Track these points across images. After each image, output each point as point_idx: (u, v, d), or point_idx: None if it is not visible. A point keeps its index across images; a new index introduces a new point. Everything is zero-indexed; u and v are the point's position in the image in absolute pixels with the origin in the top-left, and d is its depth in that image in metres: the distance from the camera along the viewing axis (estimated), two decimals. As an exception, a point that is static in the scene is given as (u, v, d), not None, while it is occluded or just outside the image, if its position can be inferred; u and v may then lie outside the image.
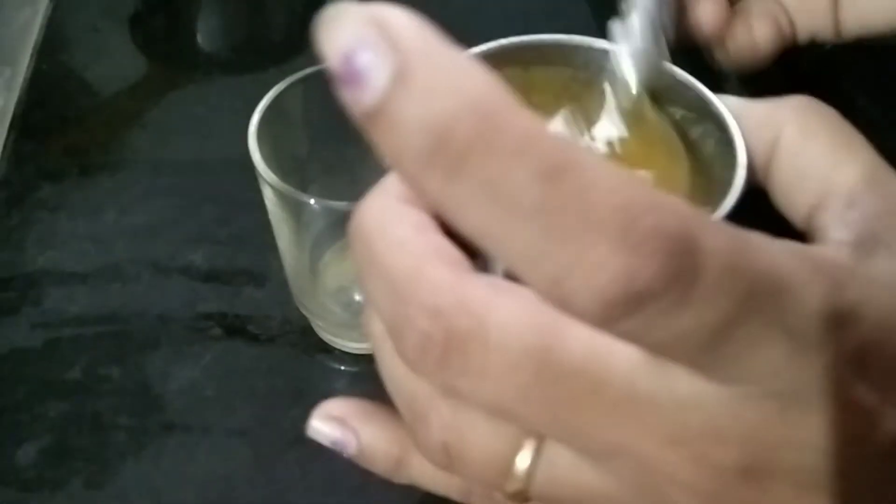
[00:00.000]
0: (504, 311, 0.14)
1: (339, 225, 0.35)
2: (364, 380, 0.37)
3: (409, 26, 0.12)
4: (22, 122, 0.46)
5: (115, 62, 0.50)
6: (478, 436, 0.16)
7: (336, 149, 0.34)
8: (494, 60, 0.22)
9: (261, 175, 0.29)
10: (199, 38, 0.53)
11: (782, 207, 0.19)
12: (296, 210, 0.30)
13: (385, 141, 0.13)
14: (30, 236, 0.40)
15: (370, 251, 0.15)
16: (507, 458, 0.16)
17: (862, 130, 0.54)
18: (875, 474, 0.14)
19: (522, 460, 0.15)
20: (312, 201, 0.28)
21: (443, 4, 0.55)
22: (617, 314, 0.12)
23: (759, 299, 0.13)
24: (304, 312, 0.36)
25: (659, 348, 0.13)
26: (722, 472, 0.14)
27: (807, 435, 0.13)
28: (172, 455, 0.34)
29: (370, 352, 0.37)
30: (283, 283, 0.37)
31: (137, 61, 0.50)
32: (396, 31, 0.12)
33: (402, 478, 0.20)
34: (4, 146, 0.44)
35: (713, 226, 0.13)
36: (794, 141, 0.18)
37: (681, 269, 0.12)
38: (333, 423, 0.20)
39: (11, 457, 0.33)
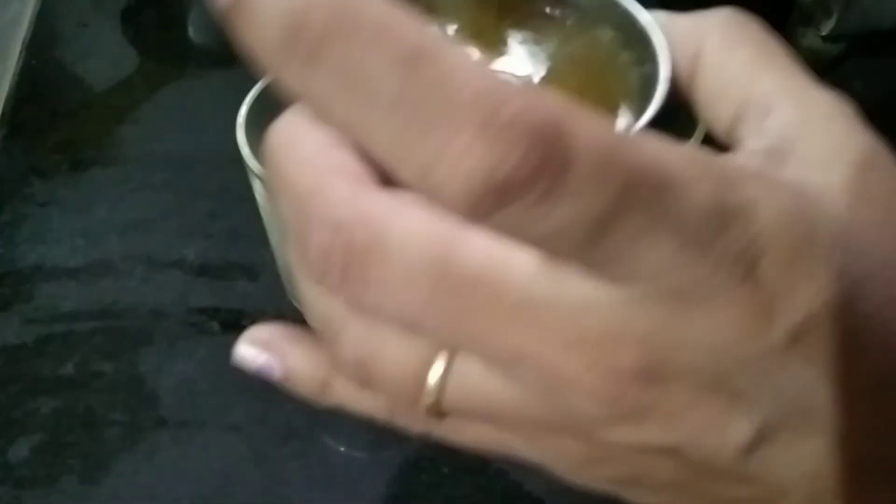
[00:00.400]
0: (403, 221, 0.14)
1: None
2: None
3: None
4: (12, 118, 0.45)
5: (105, 57, 0.50)
6: (390, 351, 0.15)
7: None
8: None
9: (250, 168, 0.28)
10: (191, 32, 0.53)
11: (707, 121, 0.18)
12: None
13: (245, 33, 0.13)
14: (21, 232, 0.40)
15: (277, 169, 0.15)
16: (419, 371, 0.15)
17: (857, 113, 0.53)
18: (771, 370, 0.13)
19: (434, 374, 0.15)
20: (302, 193, 0.27)
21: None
22: (485, 205, 0.12)
23: (638, 193, 0.12)
24: (298, 306, 0.36)
25: (541, 244, 0.13)
26: (621, 375, 0.13)
27: (700, 334, 0.13)
28: (166, 451, 0.33)
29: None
30: (277, 277, 0.36)
31: (128, 56, 0.50)
32: None
33: (328, 400, 0.19)
34: (-6, 142, 0.44)
35: (588, 119, 0.12)
36: (717, 52, 0.18)
37: (547, 158, 0.12)
38: (259, 348, 0.19)
39: (4, 454, 0.33)
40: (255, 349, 0.19)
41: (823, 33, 0.46)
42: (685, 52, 0.18)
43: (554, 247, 0.13)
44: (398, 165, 0.13)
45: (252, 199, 0.32)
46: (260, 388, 0.35)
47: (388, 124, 0.12)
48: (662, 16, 0.19)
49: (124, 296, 0.38)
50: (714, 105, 0.18)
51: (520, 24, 0.21)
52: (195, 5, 0.55)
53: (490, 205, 0.12)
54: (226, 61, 0.50)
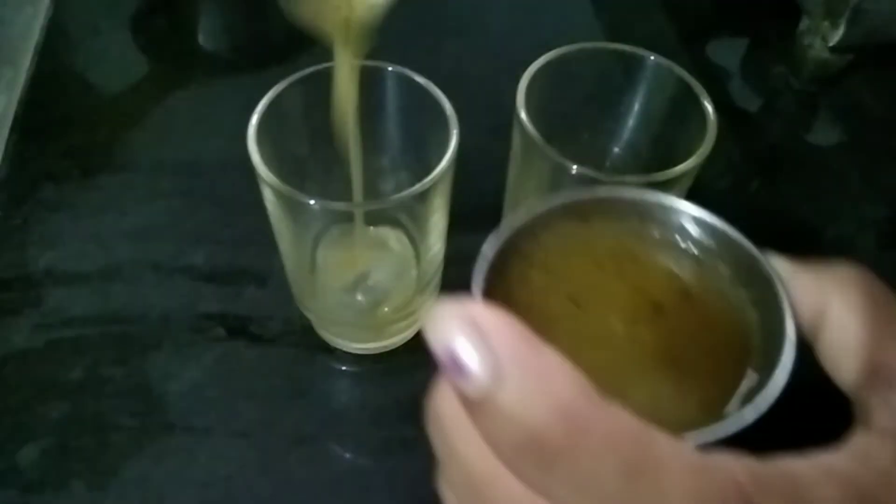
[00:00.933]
0: None
1: (340, 225, 0.35)
2: (365, 380, 0.37)
3: (505, 330, 0.15)
4: (23, 123, 0.46)
5: (116, 63, 0.50)
6: None
7: (334, 148, 0.34)
8: (556, 215, 0.22)
9: (260, 176, 0.29)
10: (200, 39, 0.53)
11: (829, 373, 0.19)
12: (296, 210, 0.30)
13: (484, 428, 0.15)
14: (31, 237, 0.40)
15: (450, 443, 0.17)
16: None
17: (863, 124, 0.53)
18: None
19: None
20: (312, 202, 0.28)
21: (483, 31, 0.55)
22: None
23: None
24: (306, 312, 0.36)
25: None
26: None
27: None
28: (174, 456, 0.34)
29: (371, 352, 0.37)
30: (285, 284, 0.36)
31: (138, 62, 0.50)
32: (489, 332, 0.15)
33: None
34: (6, 147, 0.44)
35: (764, 477, 0.15)
36: (843, 313, 0.19)
37: None
38: None
39: (13, 458, 0.33)
40: None
41: (831, 44, 0.46)
42: (808, 308, 0.19)
43: None
44: None
45: (261, 206, 0.32)
46: (267, 394, 0.36)
47: None
48: (782, 264, 0.20)
49: (133, 301, 0.38)
50: (839, 364, 0.19)
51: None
52: (204, 12, 0.55)
53: None
54: (235, 68, 0.51)
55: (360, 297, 0.36)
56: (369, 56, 0.32)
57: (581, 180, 0.30)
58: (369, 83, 0.32)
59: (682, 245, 0.22)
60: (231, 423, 0.35)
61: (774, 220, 0.44)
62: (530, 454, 0.15)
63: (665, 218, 0.23)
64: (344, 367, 0.37)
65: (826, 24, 0.46)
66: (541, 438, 0.14)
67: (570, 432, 0.14)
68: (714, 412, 0.19)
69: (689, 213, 0.22)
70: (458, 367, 0.15)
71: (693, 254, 0.22)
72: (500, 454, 0.15)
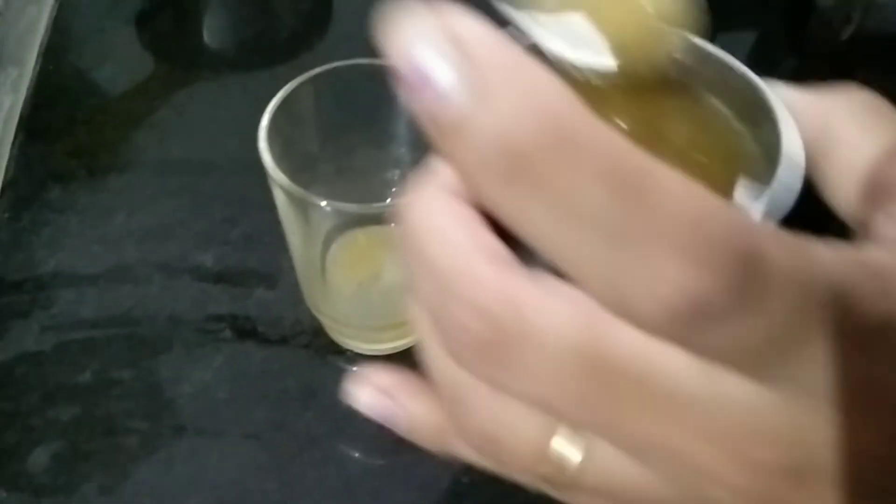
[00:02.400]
0: (551, 310, 0.14)
1: (351, 226, 0.35)
2: (377, 381, 0.37)
3: (484, 37, 0.13)
4: (29, 124, 0.45)
5: (121, 62, 0.50)
6: (515, 423, 0.16)
7: (345, 147, 0.34)
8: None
9: (271, 177, 0.28)
10: (206, 37, 0.53)
11: (827, 197, 0.18)
12: (306, 211, 0.29)
13: (457, 153, 0.13)
14: (39, 239, 0.40)
15: (418, 245, 0.15)
16: (542, 444, 0.16)
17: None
18: None
19: (560, 447, 0.16)
20: (324, 203, 0.27)
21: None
22: (680, 326, 0.12)
23: (817, 309, 0.13)
24: (316, 313, 0.36)
25: (714, 355, 0.13)
26: (766, 473, 0.14)
27: (856, 439, 0.13)
28: (185, 458, 0.33)
29: (382, 353, 0.37)
30: (294, 284, 0.36)
31: (144, 61, 0.50)
32: (470, 43, 0.12)
33: (447, 451, 0.20)
34: (12, 148, 0.44)
35: (777, 238, 0.13)
36: (849, 132, 0.18)
37: (747, 284, 0.12)
38: (381, 396, 0.20)
39: (24, 462, 0.33)
40: (374, 395, 0.20)
41: (843, 39, 0.46)
42: (811, 129, 0.18)
43: (726, 358, 0.13)
44: (590, 277, 0.13)
45: (270, 205, 0.32)
46: (278, 396, 0.36)
47: (593, 244, 0.12)
48: (782, 89, 0.19)
49: (142, 303, 0.38)
50: (842, 184, 0.18)
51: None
52: (210, 11, 0.55)
53: (684, 325, 0.12)
54: (241, 66, 0.50)
55: (371, 298, 0.36)
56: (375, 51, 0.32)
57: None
58: (383, 81, 0.31)
59: (676, 77, 0.21)
60: (242, 425, 0.34)
61: (787, 218, 0.44)
62: (512, 175, 0.12)
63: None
64: (355, 368, 0.37)
65: (838, 18, 0.46)
66: (525, 154, 0.12)
67: (560, 147, 0.12)
68: None
69: (688, 44, 0.22)
70: (425, 80, 0.12)
71: (687, 85, 0.21)
72: (480, 183, 0.13)
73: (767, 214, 0.17)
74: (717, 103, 0.21)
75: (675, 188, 0.12)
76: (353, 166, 0.35)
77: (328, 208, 0.28)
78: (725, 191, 0.19)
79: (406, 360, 0.37)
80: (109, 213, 0.41)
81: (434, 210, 0.15)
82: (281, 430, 0.34)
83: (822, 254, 0.13)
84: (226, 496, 0.33)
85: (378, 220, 0.35)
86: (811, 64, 0.50)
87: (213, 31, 0.54)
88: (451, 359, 0.16)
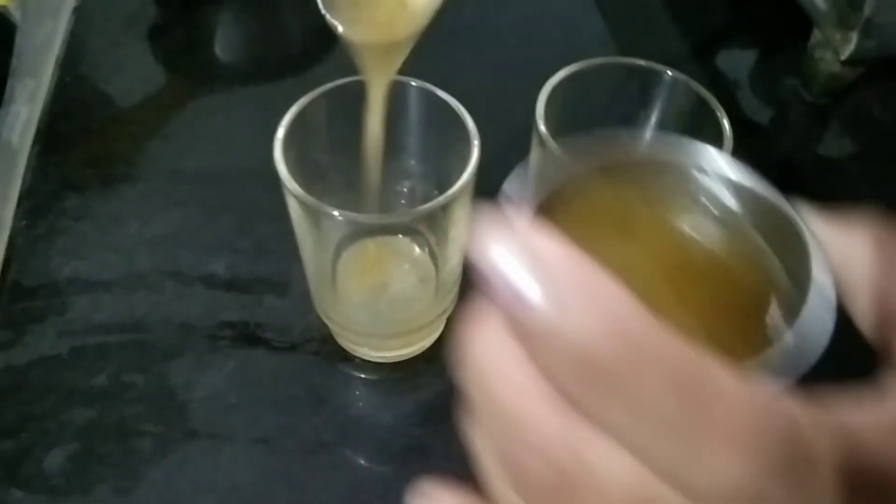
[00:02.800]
0: (612, 461, 0.15)
1: (361, 235, 0.35)
2: (384, 388, 0.37)
3: (561, 253, 0.14)
4: (46, 134, 0.46)
5: (135, 74, 0.51)
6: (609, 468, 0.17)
7: (356, 160, 0.35)
8: (581, 171, 0.23)
9: (286, 186, 0.29)
10: (218, 51, 0.54)
11: (854, 319, 0.20)
12: (318, 220, 0.30)
13: (536, 354, 0.15)
14: (55, 246, 0.41)
15: (484, 385, 0.17)
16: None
17: (874, 136, 0.54)
18: None
19: None
20: (336, 212, 0.28)
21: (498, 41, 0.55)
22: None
23: (848, 479, 0.15)
24: (326, 321, 0.37)
25: None
26: None
27: None
28: (196, 462, 0.34)
29: (390, 360, 0.38)
30: (304, 293, 0.37)
31: (157, 74, 0.51)
32: (548, 259, 0.14)
33: None
34: (29, 157, 0.45)
35: (816, 419, 0.15)
36: (867, 263, 0.20)
37: (788, 468, 0.14)
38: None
39: (39, 463, 0.34)
40: None
41: (842, 57, 0.47)
42: (835, 256, 0.20)
43: None
44: (652, 461, 0.15)
45: (280, 215, 0.33)
46: (287, 401, 0.36)
47: (657, 437, 0.14)
48: (811, 216, 0.21)
49: (155, 309, 0.39)
50: (861, 308, 0.19)
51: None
52: (222, 25, 0.56)
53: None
54: (252, 79, 0.51)
55: (380, 307, 0.37)
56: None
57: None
58: (393, 97, 0.32)
59: (705, 201, 0.22)
60: (252, 430, 0.35)
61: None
62: (588, 380, 0.14)
63: (688, 174, 0.23)
64: (363, 375, 0.37)
65: (838, 36, 0.46)
66: (600, 363, 0.14)
67: (631, 358, 0.14)
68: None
69: (713, 167, 0.23)
70: (509, 291, 0.14)
71: (715, 209, 0.22)
72: (557, 381, 0.15)
73: (797, 348, 0.18)
74: (748, 228, 0.22)
75: (729, 386, 0.14)
76: (362, 178, 0.36)
77: (340, 218, 0.28)
78: (756, 316, 0.20)
79: (414, 367, 0.38)
80: (123, 222, 0.42)
81: (499, 350, 0.16)
82: (290, 434, 0.35)
83: (856, 422, 0.16)
84: (235, 499, 0.33)
85: (387, 230, 0.36)
86: (810, 83, 0.51)
87: (224, 46, 0.55)
88: (515, 492, 0.17)
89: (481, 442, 0.18)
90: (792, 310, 0.20)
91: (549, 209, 0.22)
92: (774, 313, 0.21)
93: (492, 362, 0.16)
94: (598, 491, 0.15)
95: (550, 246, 0.15)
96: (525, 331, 0.15)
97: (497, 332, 0.16)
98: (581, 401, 0.15)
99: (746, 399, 0.14)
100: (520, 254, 0.14)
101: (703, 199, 0.22)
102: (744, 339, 0.20)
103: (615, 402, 0.14)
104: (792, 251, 0.21)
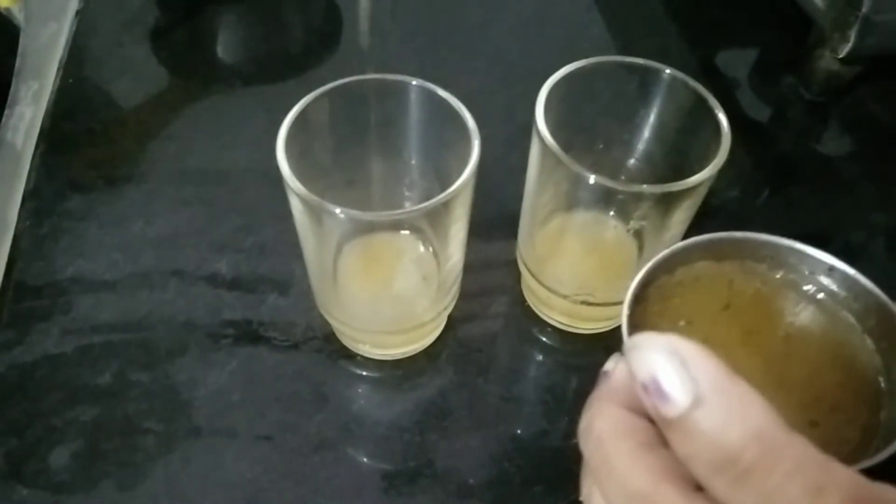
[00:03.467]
0: None
1: (362, 233, 0.36)
2: (385, 385, 0.38)
3: (704, 361, 0.18)
4: (50, 135, 0.47)
5: (138, 76, 0.51)
6: None
7: (357, 158, 0.35)
8: (693, 253, 0.26)
9: (288, 185, 0.29)
10: (220, 53, 0.55)
11: None
12: (321, 218, 0.30)
13: (678, 444, 0.18)
14: (59, 246, 0.41)
15: (606, 457, 0.20)
16: None
17: (873, 134, 0.54)
18: None
19: None
20: (339, 211, 0.28)
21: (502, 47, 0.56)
22: None
23: None
24: (328, 318, 0.37)
25: None
26: None
27: None
28: (200, 458, 0.34)
29: (392, 357, 0.38)
30: (306, 291, 0.37)
31: (160, 75, 0.52)
32: (694, 365, 0.18)
33: None
34: (33, 158, 0.45)
35: None
36: None
37: None
38: None
39: (45, 460, 0.34)
40: None
41: (840, 56, 0.47)
42: None
43: None
44: None
45: (281, 215, 0.33)
46: (291, 398, 0.37)
47: None
48: None
49: (159, 308, 0.39)
50: None
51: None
52: (224, 26, 0.56)
53: None
54: (254, 80, 0.52)
55: (381, 304, 0.37)
56: (384, 66, 0.33)
57: (598, 190, 0.31)
58: (394, 96, 0.33)
59: (810, 289, 0.24)
60: (255, 427, 0.35)
61: (785, 229, 0.45)
62: (724, 470, 0.17)
63: (795, 262, 0.26)
64: (365, 373, 0.38)
65: (836, 35, 0.47)
66: (736, 457, 0.17)
67: (764, 454, 0.17)
68: (855, 447, 0.22)
69: (821, 260, 0.25)
70: (659, 391, 0.18)
71: (820, 298, 0.25)
72: (694, 467, 0.18)
73: None
74: (851, 321, 0.25)
75: (844, 479, 0.17)
76: (364, 176, 0.36)
77: (342, 215, 0.29)
78: (867, 417, 0.22)
79: (415, 364, 0.38)
80: (127, 222, 0.43)
81: (618, 424, 0.20)
82: (293, 431, 0.35)
83: None
84: (239, 495, 0.34)
85: (389, 227, 0.36)
86: (809, 81, 0.51)
87: (226, 47, 0.55)
88: None
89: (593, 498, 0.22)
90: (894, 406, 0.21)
91: (662, 291, 0.25)
92: (880, 403, 0.23)
93: (608, 429, 0.20)
94: None
95: (693, 350, 0.18)
96: (661, 419, 0.18)
97: (612, 405, 0.20)
98: (711, 485, 0.17)
99: (864, 495, 0.17)
100: (665, 354, 0.18)
101: (808, 284, 0.25)
102: (851, 427, 0.23)
103: (749, 495, 0.17)
104: (892, 345, 0.23)
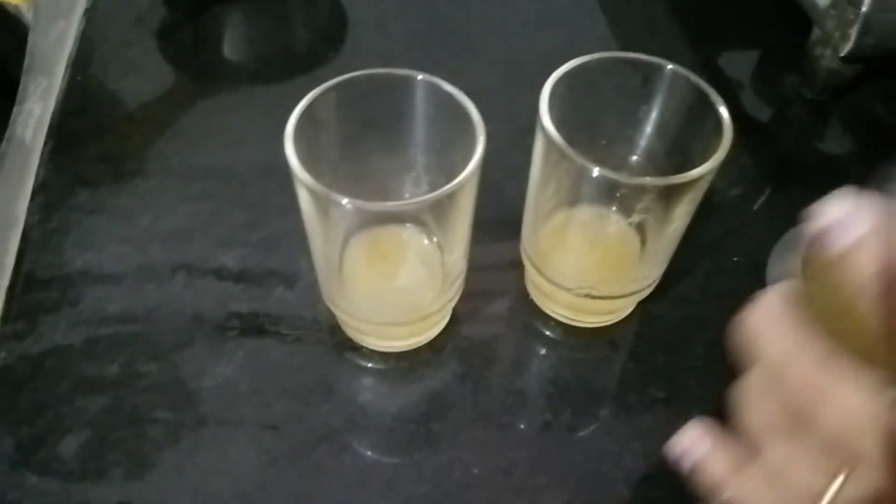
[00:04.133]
0: (846, 397, 0.22)
1: (368, 225, 0.36)
2: (390, 376, 0.38)
3: (874, 212, 0.22)
4: (59, 131, 0.47)
5: (145, 73, 0.52)
6: (802, 467, 0.24)
7: (363, 152, 0.36)
8: None
9: (296, 176, 0.30)
10: (226, 51, 0.55)
11: None
12: (328, 209, 0.31)
13: (842, 273, 0.21)
14: (68, 239, 0.42)
15: (762, 344, 0.24)
16: (815, 486, 0.23)
17: (874, 133, 0.54)
18: None
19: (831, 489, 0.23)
20: (346, 202, 0.29)
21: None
22: None
23: None
24: (334, 310, 0.37)
25: None
26: None
27: None
28: (207, 448, 0.35)
29: (397, 349, 0.39)
30: (312, 284, 0.38)
31: (167, 73, 0.52)
32: (866, 213, 0.22)
33: (719, 490, 0.27)
34: (42, 154, 0.46)
35: None
36: None
37: None
38: (697, 440, 0.28)
39: (54, 450, 0.34)
40: (688, 441, 0.28)
41: (841, 54, 0.47)
42: None
43: None
44: None
45: (287, 210, 0.33)
46: (297, 389, 0.37)
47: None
48: None
49: (166, 301, 0.40)
50: None
51: None
52: (230, 25, 0.57)
53: None
54: (260, 78, 0.52)
55: (386, 296, 0.38)
56: (389, 64, 0.33)
57: (601, 183, 0.32)
58: (399, 91, 0.33)
59: None
60: (262, 417, 0.36)
61: (787, 226, 0.45)
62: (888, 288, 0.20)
63: None
64: (370, 364, 0.38)
65: (837, 34, 0.47)
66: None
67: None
68: None
69: None
70: (834, 230, 0.22)
71: None
72: (858, 289, 0.21)
73: None
74: None
75: None
76: (370, 171, 0.36)
77: (349, 206, 0.29)
78: None
79: (420, 356, 0.38)
80: (135, 216, 0.43)
81: (778, 316, 0.24)
82: (299, 422, 0.36)
83: None
84: (245, 484, 0.34)
85: (394, 219, 0.37)
86: (810, 80, 0.52)
87: (232, 45, 0.56)
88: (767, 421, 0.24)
89: (747, 388, 0.25)
90: None
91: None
92: None
93: (768, 321, 0.24)
94: (832, 420, 0.22)
95: (869, 207, 0.22)
96: (832, 251, 0.22)
97: (775, 299, 0.24)
98: (879, 305, 0.20)
99: None
100: (850, 207, 0.22)
101: None
102: None
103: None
104: None
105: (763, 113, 0.52)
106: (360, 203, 0.29)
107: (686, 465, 0.27)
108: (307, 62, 0.54)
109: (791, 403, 0.23)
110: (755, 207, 0.46)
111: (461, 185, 0.30)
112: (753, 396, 0.25)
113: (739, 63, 0.55)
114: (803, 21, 0.51)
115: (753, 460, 0.25)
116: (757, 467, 0.25)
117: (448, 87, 0.32)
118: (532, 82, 0.34)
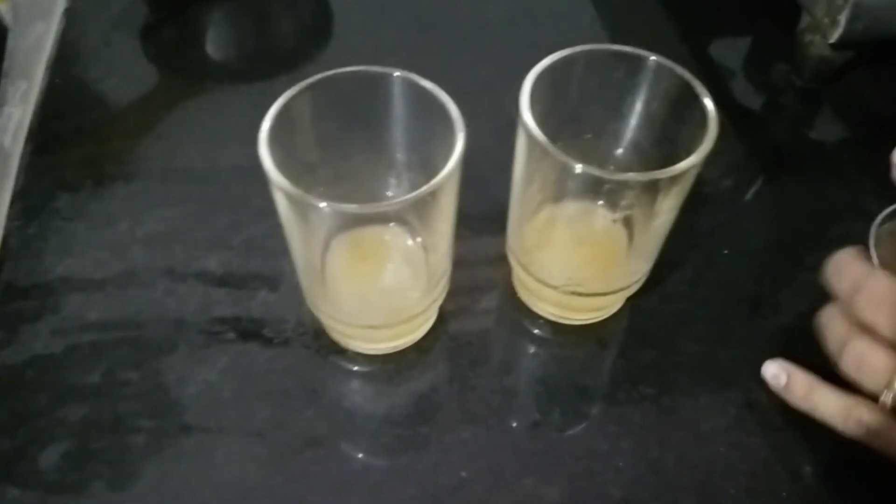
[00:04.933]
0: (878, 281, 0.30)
1: (349, 227, 0.36)
2: (376, 380, 0.37)
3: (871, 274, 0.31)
4: (38, 135, 0.47)
5: (127, 74, 0.51)
6: (875, 357, 0.30)
7: (343, 152, 0.35)
8: None
9: (271, 179, 0.29)
10: (209, 50, 0.54)
11: None
12: (306, 213, 0.30)
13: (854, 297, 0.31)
14: (48, 245, 0.41)
15: (847, 269, 0.32)
16: (889, 374, 0.30)
17: (865, 120, 0.54)
18: None
19: None
20: (323, 204, 0.28)
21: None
22: None
23: None
24: (318, 314, 0.37)
25: None
26: None
27: None
28: (191, 456, 0.34)
29: (382, 352, 0.38)
30: (296, 287, 0.37)
31: (149, 73, 0.51)
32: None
33: (805, 402, 0.34)
34: (21, 158, 0.45)
35: None
36: None
37: None
38: (780, 367, 0.35)
39: (35, 460, 0.34)
40: (776, 367, 0.36)
41: (831, 41, 0.47)
42: None
43: None
44: None
45: (272, 211, 0.33)
46: (281, 394, 0.36)
47: None
48: None
49: (148, 306, 0.39)
50: None
51: None
52: (213, 24, 0.56)
53: None
54: (244, 78, 0.52)
55: (370, 298, 0.37)
56: (375, 61, 0.33)
57: (585, 180, 0.31)
58: (378, 88, 0.32)
59: None
60: (246, 424, 0.35)
61: (778, 217, 0.45)
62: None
63: None
64: (355, 368, 0.38)
65: (826, 20, 0.46)
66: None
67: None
68: None
69: None
70: (855, 272, 0.31)
71: None
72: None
73: None
74: None
75: None
76: (350, 171, 0.36)
77: (327, 209, 0.28)
78: None
79: (405, 359, 0.38)
80: (116, 221, 0.43)
81: (853, 259, 0.32)
82: (284, 428, 0.35)
83: None
84: (230, 492, 0.33)
85: (376, 220, 0.36)
86: (801, 68, 0.51)
87: (215, 44, 0.55)
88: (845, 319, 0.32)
89: (828, 313, 0.33)
90: None
91: None
92: None
93: (849, 261, 0.31)
94: (877, 299, 0.30)
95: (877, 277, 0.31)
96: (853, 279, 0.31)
97: (852, 255, 0.32)
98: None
99: None
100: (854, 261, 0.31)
101: None
102: None
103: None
104: None
105: (754, 101, 0.51)
106: (339, 206, 0.29)
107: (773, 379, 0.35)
108: (292, 60, 0.53)
109: (858, 317, 0.30)
110: (746, 198, 0.46)
111: (442, 184, 0.29)
112: (832, 318, 0.32)
113: (730, 52, 0.54)
114: (793, 8, 0.50)
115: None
116: (843, 362, 0.31)
117: (426, 84, 0.32)
118: (520, 76, 0.33)
